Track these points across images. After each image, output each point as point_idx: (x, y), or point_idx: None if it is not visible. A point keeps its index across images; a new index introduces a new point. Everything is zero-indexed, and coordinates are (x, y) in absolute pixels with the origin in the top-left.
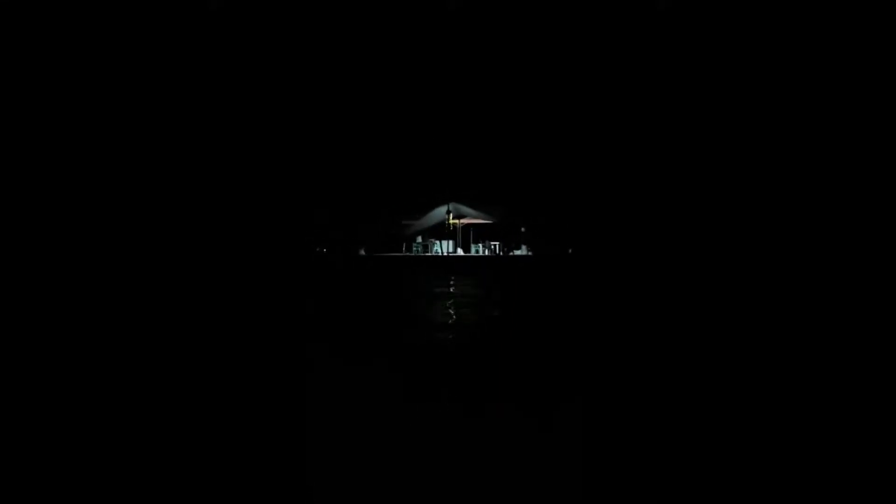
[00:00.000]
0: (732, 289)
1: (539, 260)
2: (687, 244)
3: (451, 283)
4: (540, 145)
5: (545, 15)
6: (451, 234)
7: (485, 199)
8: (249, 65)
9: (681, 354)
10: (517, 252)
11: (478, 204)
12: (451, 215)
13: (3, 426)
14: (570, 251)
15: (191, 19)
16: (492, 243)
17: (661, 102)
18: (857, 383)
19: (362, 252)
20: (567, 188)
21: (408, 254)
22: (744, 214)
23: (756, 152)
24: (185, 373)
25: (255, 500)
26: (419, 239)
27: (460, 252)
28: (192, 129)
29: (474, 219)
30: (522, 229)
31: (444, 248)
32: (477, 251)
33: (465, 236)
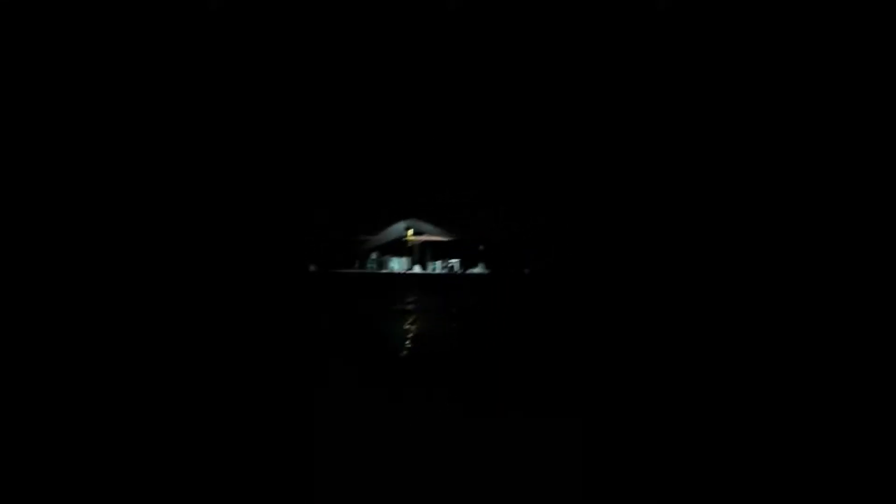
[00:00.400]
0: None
1: (498, 279)
2: (667, 256)
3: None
4: (508, 166)
5: (545, 15)
6: (407, 251)
7: (445, 217)
8: (249, 65)
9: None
10: (474, 270)
11: (438, 221)
12: (411, 231)
13: (3, 426)
14: (526, 272)
15: (191, 19)
16: (451, 261)
17: (661, 102)
18: (858, 383)
19: (312, 268)
20: (532, 209)
21: (362, 270)
22: (743, 216)
23: (756, 152)
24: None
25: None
26: (373, 255)
27: (417, 269)
28: (192, 129)
29: (433, 236)
30: (481, 248)
31: (400, 265)
32: (434, 269)
33: (421, 254)
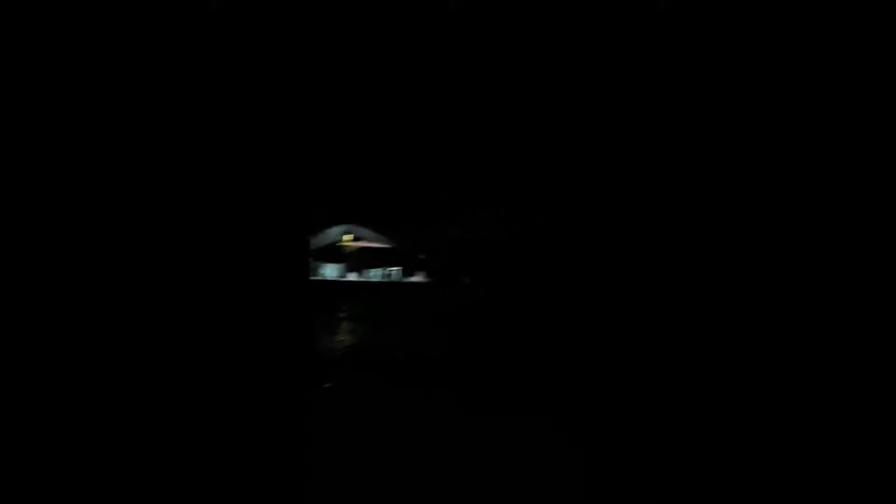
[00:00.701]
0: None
1: (438, 287)
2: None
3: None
4: (508, 166)
5: (545, 15)
6: (341, 257)
7: (385, 223)
8: (249, 65)
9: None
10: (413, 279)
11: (379, 227)
12: (352, 236)
13: (3, 426)
14: (466, 280)
15: (191, 19)
16: (391, 269)
17: (661, 102)
18: (857, 383)
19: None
20: (531, 209)
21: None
22: (743, 215)
23: (756, 152)
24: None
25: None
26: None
27: (352, 276)
28: (192, 128)
29: (372, 242)
30: (421, 256)
31: (332, 272)
32: (370, 276)
33: (358, 260)
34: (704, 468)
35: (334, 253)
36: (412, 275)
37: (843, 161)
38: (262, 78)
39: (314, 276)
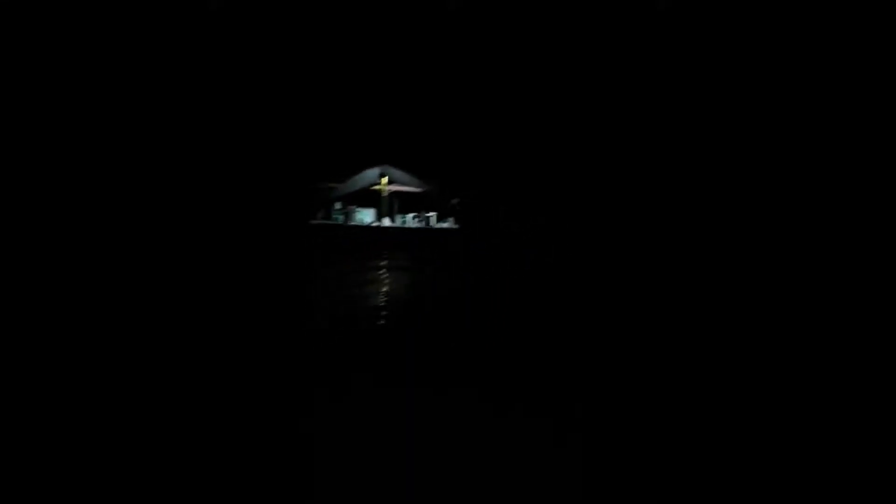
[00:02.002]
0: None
1: (469, 235)
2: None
3: None
4: (507, 166)
5: (545, 15)
6: (374, 201)
7: (420, 167)
8: (249, 65)
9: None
10: (443, 225)
11: (414, 170)
12: (386, 179)
13: (3, 426)
14: (499, 227)
15: (191, 19)
16: (427, 214)
17: (661, 102)
18: (857, 383)
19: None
20: (532, 209)
21: (327, 221)
22: (742, 215)
23: (755, 152)
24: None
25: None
26: (337, 205)
27: (387, 222)
28: (191, 128)
29: (405, 186)
30: (454, 201)
31: (366, 217)
32: (404, 222)
33: (389, 205)
34: (704, 468)
35: (369, 197)
36: (444, 220)
37: (842, 161)
38: (261, 78)
39: (350, 221)
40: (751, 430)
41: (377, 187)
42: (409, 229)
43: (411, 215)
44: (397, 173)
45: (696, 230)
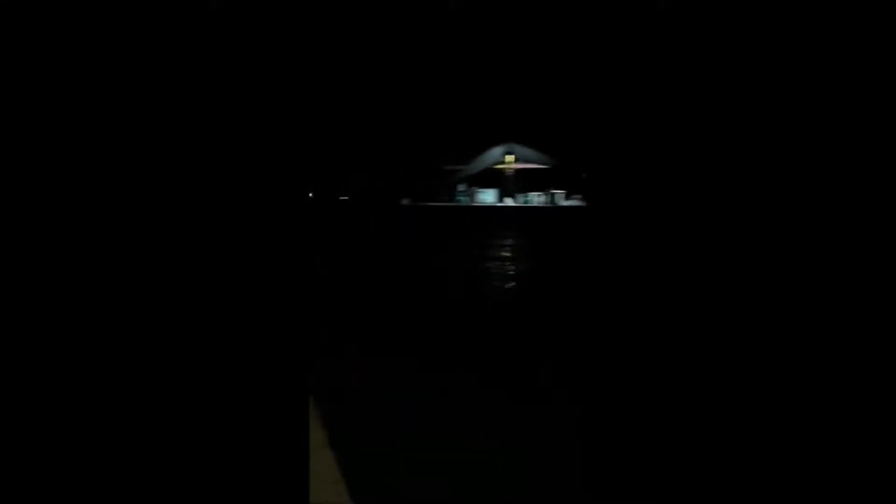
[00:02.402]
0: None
1: (599, 213)
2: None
3: None
4: None
5: (545, 15)
6: (498, 181)
7: (546, 142)
8: (249, 65)
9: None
10: (569, 202)
11: (540, 145)
12: (513, 156)
13: (3, 426)
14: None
15: (191, 19)
16: (554, 192)
17: (661, 101)
18: (857, 383)
19: (405, 202)
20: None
21: (450, 203)
22: (741, 215)
23: (754, 151)
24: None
25: None
26: (461, 187)
27: (509, 201)
28: (191, 129)
29: (530, 163)
30: (584, 175)
31: (489, 197)
32: (527, 201)
33: (513, 183)
34: (704, 468)
35: (492, 176)
36: (570, 198)
37: (842, 160)
38: (261, 78)
39: (472, 202)
40: (751, 430)
41: (500, 166)
42: (529, 209)
43: (535, 194)
44: (522, 150)
45: (696, 229)
